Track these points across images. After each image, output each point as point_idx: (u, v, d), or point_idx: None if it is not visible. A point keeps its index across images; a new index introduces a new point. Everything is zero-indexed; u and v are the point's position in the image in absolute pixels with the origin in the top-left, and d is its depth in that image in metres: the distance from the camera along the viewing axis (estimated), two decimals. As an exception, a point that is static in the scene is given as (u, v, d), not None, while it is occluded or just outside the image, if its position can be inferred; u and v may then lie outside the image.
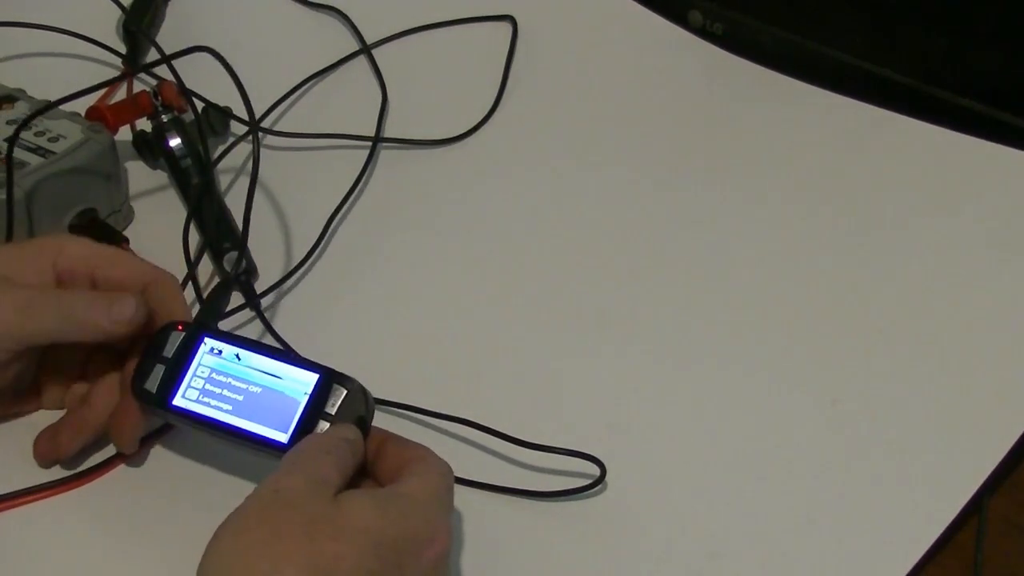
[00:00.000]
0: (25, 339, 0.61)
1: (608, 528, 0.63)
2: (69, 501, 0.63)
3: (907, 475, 0.65)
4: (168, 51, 0.71)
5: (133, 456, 0.64)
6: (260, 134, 0.84)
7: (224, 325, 0.71)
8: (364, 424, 0.60)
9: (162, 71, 0.78)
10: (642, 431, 0.67)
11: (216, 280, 0.74)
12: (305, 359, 0.61)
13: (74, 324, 0.61)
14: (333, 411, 0.59)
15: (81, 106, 0.77)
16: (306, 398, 0.59)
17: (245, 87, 0.71)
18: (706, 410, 0.68)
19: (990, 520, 0.64)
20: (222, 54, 0.71)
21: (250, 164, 0.82)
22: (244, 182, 0.81)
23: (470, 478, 0.64)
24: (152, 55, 0.89)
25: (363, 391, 0.60)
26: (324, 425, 0.59)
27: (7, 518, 0.62)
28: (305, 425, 0.59)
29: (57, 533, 0.62)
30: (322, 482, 0.53)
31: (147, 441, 0.65)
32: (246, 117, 0.84)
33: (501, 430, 0.65)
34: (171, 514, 0.63)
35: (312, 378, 0.59)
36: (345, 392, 0.59)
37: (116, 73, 0.86)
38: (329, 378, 0.59)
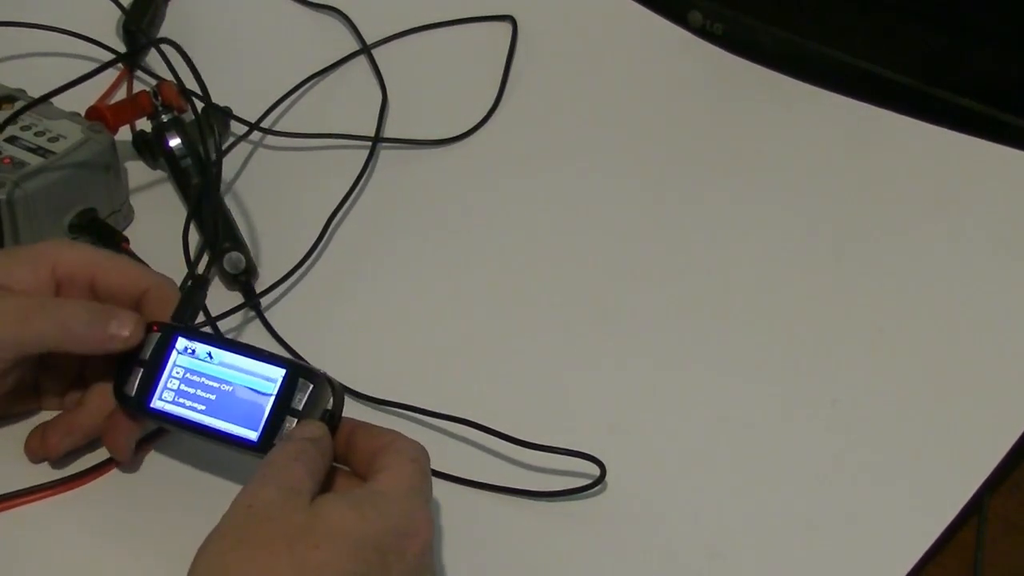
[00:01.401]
0: (22, 348, 0.61)
1: (608, 528, 0.62)
2: (65, 502, 0.63)
3: (907, 475, 0.65)
4: (168, 54, 0.71)
5: (127, 463, 0.64)
6: (260, 134, 0.85)
7: (223, 325, 0.71)
8: (333, 418, 0.59)
9: (162, 71, 0.78)
10: (642, 431, 0.67)
11: (215, 279, 0.74)
12: (272, 354, 0.60)
13: (71, 337, 0.61)
14: (300, 407, 0.58)
15: (76, 103, 0.77)
16: (273, 395, 0.59)
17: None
18: (706, 410, 0.68)
19: (990, 520, 0.64)
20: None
21: (250, 164, 0.83)
22: (244, 182, 0.82)
23: (470, 478, 0.64)
24: (150, 55, 0.89)
25: (330, 383, 0.59)
26: (292, 421, 0.58)
27: (14, 516, 0.62)
28: (273, 422, 0.58)
29: (52, 534, 0.62)
30: (295, 491, 0.53)
31: (142, 446, 0.65)
32: (244, 116, 0.84)
33: (501, 430, 0.65)
34: (166, 516, 0.62)
35: (278, 373, 0.59)
36: (311, 387, 0.59)
37: (116, 73, 0.87)
38: (295, 373, 0.59)
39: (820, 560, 0.61)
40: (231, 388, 0.60)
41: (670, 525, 0.63)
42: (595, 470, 0.63)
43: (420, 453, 0.57)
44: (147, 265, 0.73)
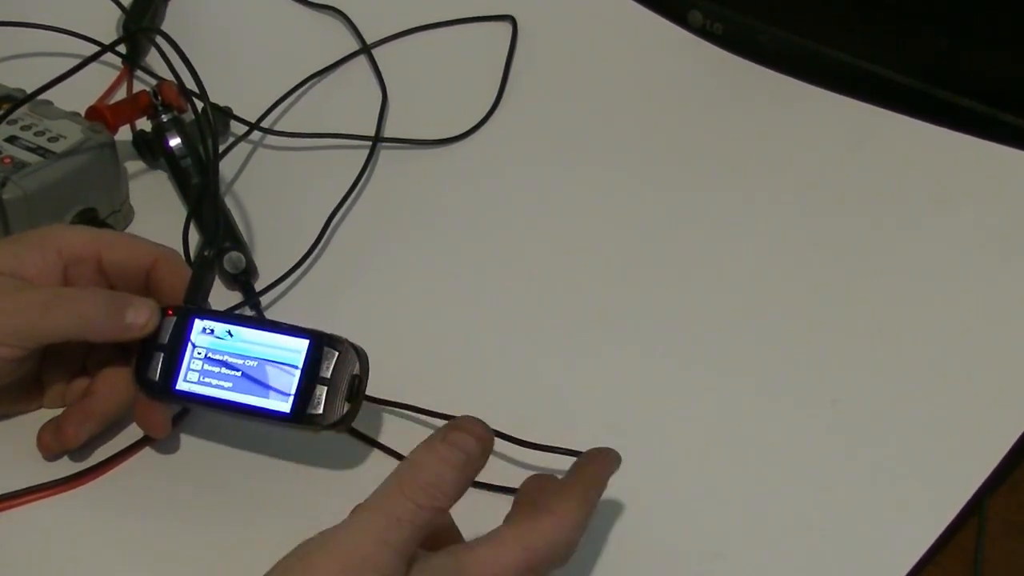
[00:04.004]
0: (41, 339, 0.61)
1: (608, 528, 0.62)
2: (66, 502, 0.63)
3: (907, 475, 0.65)
4: (167, 52, 0.71)
5: (162, 439, 0.65)
6: (260, 134, 0.85)
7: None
8: (361, 382, 0.61)
9: (162, 71, 0.78)
10: (642, 431, 0.67)
11: (215, 279, 0.74)
12: (293, 326, 0.62)
13: (89, 327, 0.61)
14: (328, 374, 0.60)
15: (76, 103, 0.77)
16: (301, 365, 0.60)
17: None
18: (706, 410, 0.68)
19: (990, 520, 0.64)
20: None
21: (250, 164, 0.83)
22: (244, 182, 0.82)
23: (470, 478, 0.64)
24: (154, 55, 0.89)
25: (355, 349, 0.61)
26: (322, 389, 0.60)
27: (14, 516, 0.62)
28: (304, 391, 0.60)
29: (53, 534, 0.62)
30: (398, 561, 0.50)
31: (173, 424, 0.65)
32: (244, 116, 0.84)
33: (501, 430, 0.64)
34: (168, 516, 0.63)
35: (303, 344, 0.60)
36: (337, 354, 0.60)
37: (116, 73, 0.87)
38: (320, 341, 0.60)
39: (820, 560, 0.61)
40: (256, 363, 0.61)
41: (670, 525, 0.63)
42: (595, 470, 0.63)
43: (544, 543, 0.53)
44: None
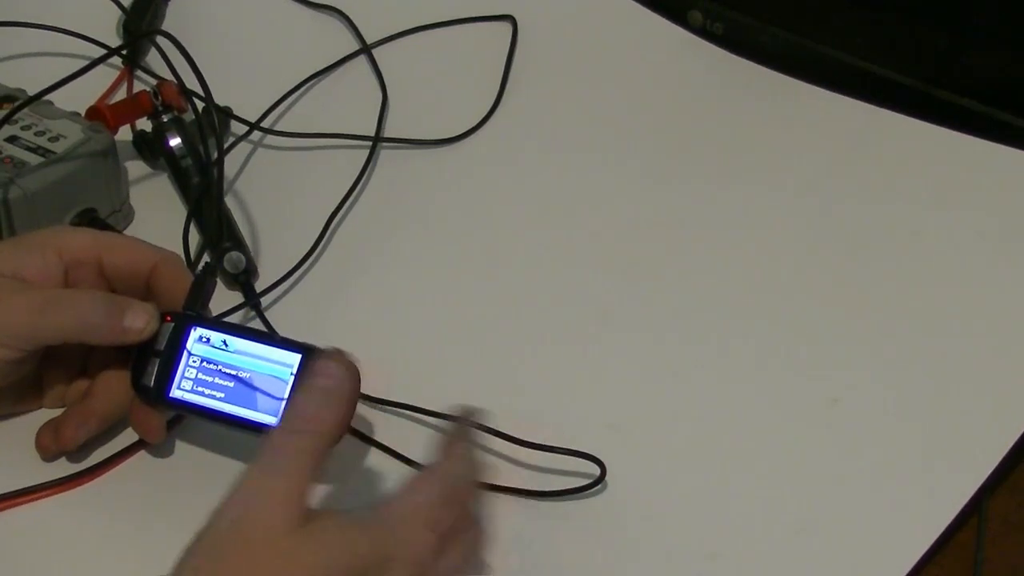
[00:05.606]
0: (40, 340, 0.61)
1: (608, 528, 0.63)
2: (68, 501, 0.63)
3: (907, 475, 0.65)
4: (167, 51, 0.72)
5: (156, 444, 0.65)
6: (260, 134, 0.85)
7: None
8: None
9: (161, 69, 0.78)
10: (642, 431, 0.67)
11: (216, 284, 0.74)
12: (288, 339, 0.61)
13: (88, 329, 0.61)
14: None
15: (76, 103, 0.77)
16: (291, 379, 0.60)
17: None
18: (706, 409, 0.68)
19: (990, 520, 0.64)
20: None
21: (250, 164, 0.83)
22: (244, 182, 0.82)
23: (470, 478, 0.64)
24: (152, 54, 0.89)
25: None
26: None
27: (13, 516, 0.62)
28: None
29: (55, 533, 0.62)
30: (287, 502, 0.51)
31: (169, 428, 0.65)
32: (244, 116, 0.84)
33: (501, 430, 0.65)
34: (170, 515, 0.62)
35: (295, 358, 0.60)
36: None
37: (116, 73, 0.87)
38: (311, 357, 0.60)
39: (820, 560, 0.61)
40: (248, 375, 0.61)
41: (670, 525, 0.63)
42: (595, 470, 0.63)
43: (445, 485, 0.55)
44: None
